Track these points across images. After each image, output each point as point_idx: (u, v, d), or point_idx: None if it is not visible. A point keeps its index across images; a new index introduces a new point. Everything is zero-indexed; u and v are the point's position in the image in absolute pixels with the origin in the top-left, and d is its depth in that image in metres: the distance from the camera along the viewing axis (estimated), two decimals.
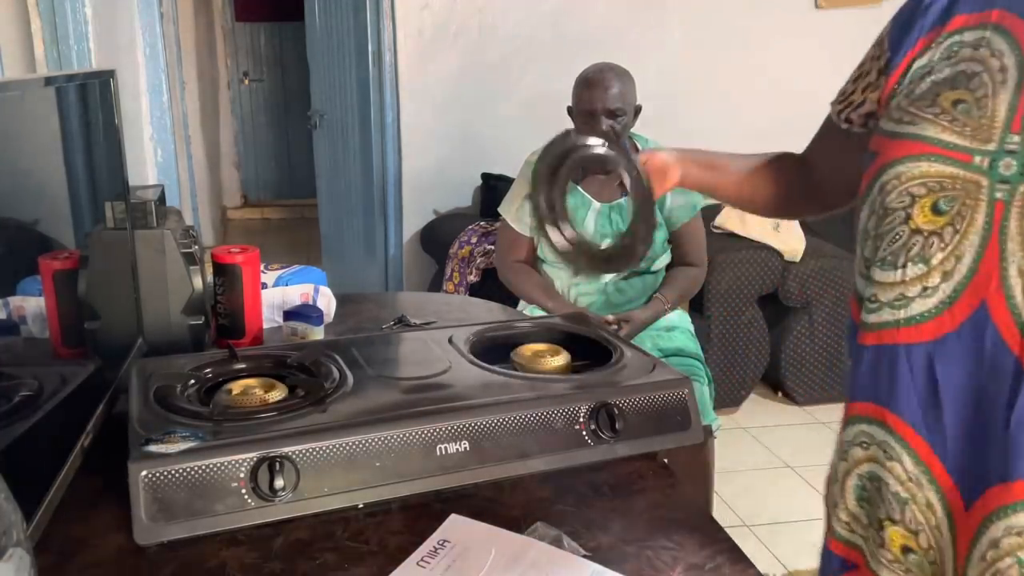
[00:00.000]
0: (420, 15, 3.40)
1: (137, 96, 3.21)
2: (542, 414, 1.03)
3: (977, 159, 0.93)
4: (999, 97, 0.94)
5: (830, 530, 1.04)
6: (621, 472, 1.06)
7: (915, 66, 1.05)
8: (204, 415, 0.97)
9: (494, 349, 1.25)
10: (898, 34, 1.10)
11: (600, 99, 2.10)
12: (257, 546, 0.89)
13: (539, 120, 3.25)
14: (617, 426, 1.04)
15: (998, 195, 0.92)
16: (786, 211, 1.34)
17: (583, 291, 2.28)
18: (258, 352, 1.22)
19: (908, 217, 0.97)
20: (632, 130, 2.22)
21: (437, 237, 3.46)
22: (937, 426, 0.97)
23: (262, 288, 1.50)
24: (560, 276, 2.30)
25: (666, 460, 1.10)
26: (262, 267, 1.56)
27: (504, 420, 1.01)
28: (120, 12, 3.16)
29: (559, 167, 1.17)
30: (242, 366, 1.15)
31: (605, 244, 1.19)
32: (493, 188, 3.43)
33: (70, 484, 0.96)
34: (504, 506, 0.98)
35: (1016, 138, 0.91)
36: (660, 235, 2.25)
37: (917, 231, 0.97)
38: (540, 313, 2.21)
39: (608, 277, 2.19)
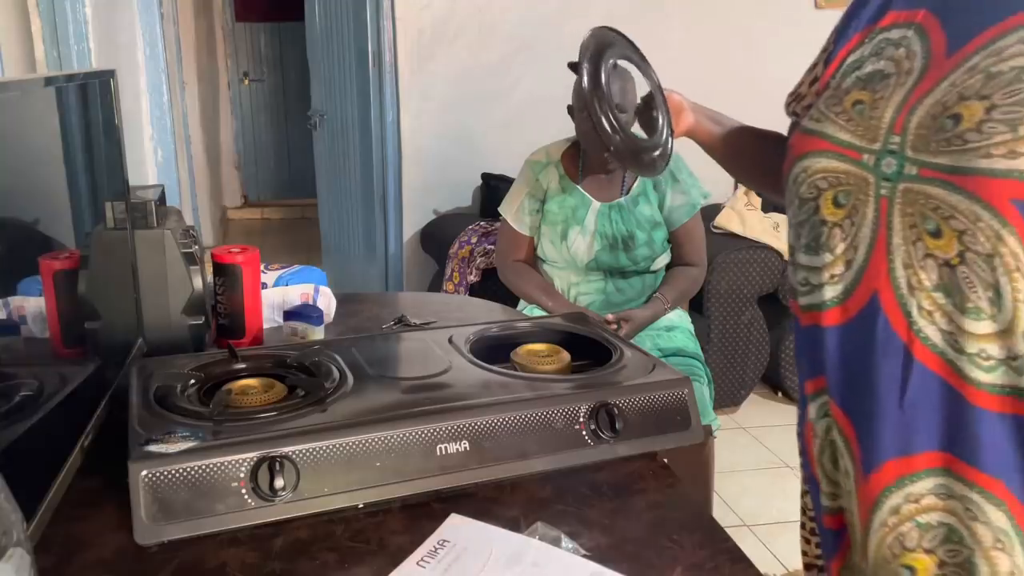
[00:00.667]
0: (420, 15, 3.40)
1: (137, 96, 3.21)
2: (542, 414, 1.03)
3: (865, 157, 1.01)
4: (893, 99, 1.00)
5: (820, 508, 1.10)
6: (621, 472, 1.06)
7: (848, 60, 1.12)
8: (204, 415, 0.97)
9: (494, 349, 1.25)
10: (842, 27, 1.16)
11: None
12: (257, 546, 0.89)
13: (539, 120, 3.26)
14: (617, 426, 1.05)
15: (883, 191, 0.99)
16: (761, 186, 1.40)
17: (583, 291, 2.28)
18: (258, 352, 1.22)
19: (817, 208, 1.05)
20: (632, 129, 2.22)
21: (437, 237, 3.46)
22: (852, 401, 1.05)
23: (262, 288, 1.50)
24: (560, 276, 2.30)
25: (666, 460, 1.10)
26: (262, 267, 1.56)
27: (504, 420, 1.01)
28: (120, 12, 3.16)
29: (603, 53, 1.26)
30: (242, 366, 1.15)
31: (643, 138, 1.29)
32: (493, 188, 3.43)
33: (70, 484, 0.96)
34: (504, 506, 0.98)
35: (897, 138, 0.97)
36: (660, 235, 2.25)
37: (824, 221, 1.05)
38: (540, 313, 2.21)
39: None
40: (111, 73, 1.24)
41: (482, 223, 3.31)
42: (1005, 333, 0.92)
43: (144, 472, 0.85)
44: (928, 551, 0.99)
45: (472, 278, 3.13)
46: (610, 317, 2.14)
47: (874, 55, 1.07)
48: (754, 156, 1.33)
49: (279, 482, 0.88)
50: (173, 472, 0.86)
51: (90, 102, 1.18)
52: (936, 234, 0.94)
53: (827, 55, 1.17)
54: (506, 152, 3.31)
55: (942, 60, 0.98)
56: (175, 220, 1.35)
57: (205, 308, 1.36)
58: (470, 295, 3.05)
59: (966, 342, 0.94)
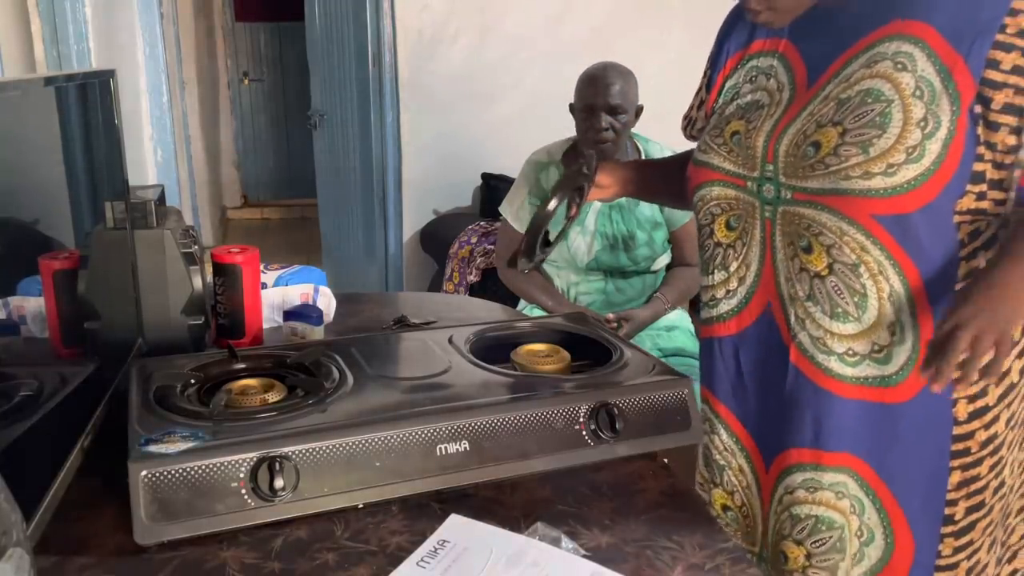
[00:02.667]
0: (420, 15, 3.39)
1: (137, 96, 3.21)
2: (542, 414, 1.03)
3: (749, 184, 1.12)
4: (763, 128, 1.11)
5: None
6: (621, 472, 1.06)
7: (726, 86, 1.23)
8: (204, 415, 0.97)
9: (494, 349, 1.25)
10: (715, 54, 1.26)
11: (601, 95, 2.10)
12: (257, 546, 0.89)
13: (539, 120, 3.25)
14: (617, 426, 1.04)
15: (767, 214, 1.11)
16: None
17: (583, 291, 2.28)
18: (258, 352, 1.22)
19: (712, 232, 1.19)
20: (633, 130, 2.23)
21: (437, 237, 3.46)
22: (742, 403, 1.20)
23: (262, 288, 1.50)
24: (560, 276, 2.30)
25: (666, 460, 1.10)
26: (262, 267, 1.56)
27: (504, 420, 1.01)
28: (120, 12, 3.16)
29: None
30: (242, 366, 1.15)
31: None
32: (493, 188, 3.43)
33: (70, 484, 0.96)
34: (504, 506, 0.98)
35: (771, 166, 1.09)
36: (660, 235, 2.25)
37: (719, 244, 1.18)
38: (540, 313, 2.21)
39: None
40: (111, 73, 1.24)
41: (482, 223, 3.31)
42: (871, 330, 1.05)
43: (144, 472, 0.85)
44: (798, 542, 1.15)
45: (472, 278, 3.13)
46: (610, 316, 2.14)
47: (749, 82, 1.17)
48: (672, 186, 1.37)
49: (279, 482, 0.88)
50: (173, 472, 0.86)
51: (90, 102, 1.18)
52: (808, 250, 1.06)
53: (707, 80, 1.27)
54: (506, 152, 3.31)
55: (804, 91, 1.08)
56: (175, 220, 1.35)
57: (205, 308, 1.36)
58: (470, 295, 3.05)
59: (834, 343, 1.07)
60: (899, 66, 0.99)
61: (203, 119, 5.97)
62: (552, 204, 1.31)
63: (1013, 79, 0.95)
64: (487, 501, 0.98)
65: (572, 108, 2.22)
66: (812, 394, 1.10)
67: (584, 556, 0.87)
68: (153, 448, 0.88)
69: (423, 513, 0.95)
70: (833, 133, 1.02)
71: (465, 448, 0.98)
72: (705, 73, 1.28)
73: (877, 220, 1.00)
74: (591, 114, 2.12)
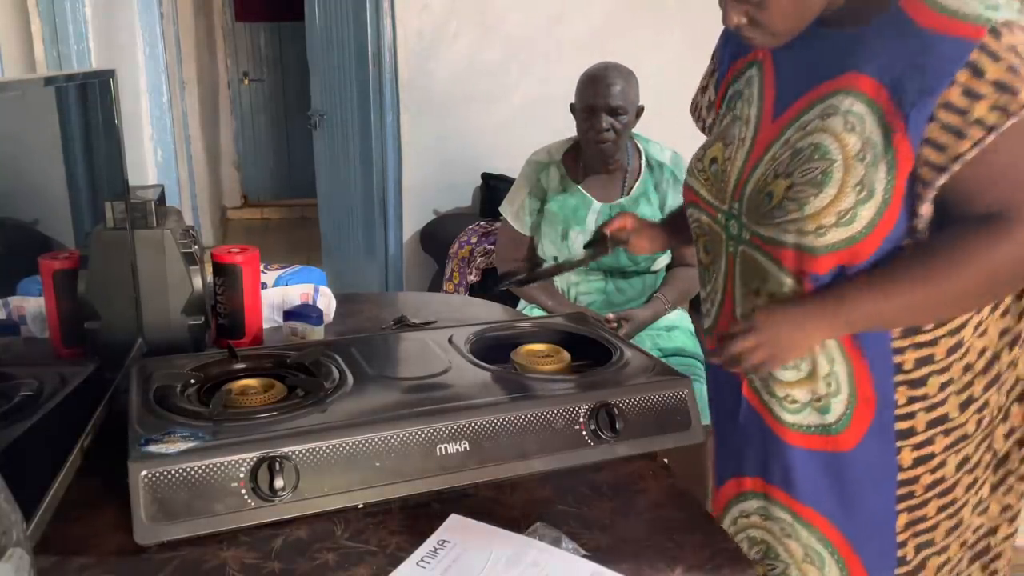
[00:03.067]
0: (420, 15, 3.39)
1: (137, 96, 3.21)
2: (542, 414, 1.03)
3: (719, 216, 1.14)
4: (736, 162, 1.12)
5: None
6: (621, 472, 1.06)
7: (729, 93, 1.19)
8: (204, 415, 0.97)
9: (494, 349, 1.25)
10: (720, 55, 1.25)
11: (602, 96, 2.10)
12: (257, 546, 0.89)
13: (539, 120, 3.25)
14: (617, 426, 1.04)
15: (730, 249, 1.13)
16: None
17: (583, 291, 2.28)
18: (258, 352, 1.22)
19: (697, 250, 1.22)
20: (633, 130, 2.22)
21: (437, 237, 3.46)
22: (717, 426, 1.24)
23: (262, 288, 1.50)
24: (560, 276, 2.30)
25: (666, 460, 1.10)
26: (262, 267, 1.56)
27: (504, 420, 1.01)
28: (120, 12, 3.16)
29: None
30: (242, 366, 1.15)
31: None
32: (493, 188, 3.42)
33: (70, 484, 0.96)
34: (504, 506, 0.98)
35: (737, 204, 1.10)
36: None
37: (701, 262, 1.21)
38: (540, 313, 2.21)
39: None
40: (111, 73, 1.24)
41: (482, 223, 3.31)
42: (809, 379, 1.07)
43: (144, 472, 0.85)
44: (753, 563, 1.15)
45: (472, 278, 3.12)
46: (610, 316, 2.14)
47: (735, 98, 1.17)
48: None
49: (279, 482, 0.88)
50: (173, 472, 0.86)
51: (90, 102, 1.18)
52: (757, 293, 1.09)
53: (716, 78, 1.26)
54: (506, 152, 3.31)
55: (769, 123, 1.08)
56: (175, 220, 1.35)
57: (205, 308, 1.36)
58: (470, 295, 3.05)
59: (776, 387, 1.10)
60: (848, 126, 0.98)
61: (203, 119, 5.97)
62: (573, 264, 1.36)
63: (926, 151, 0.94)
64: (487, 501, 0.98)
65: (573, 108, 2.22)
66: (759, 430, 1.13)
67: (584, 556, 0.87)
68: (153, 448, 0.88)
69: (423, 513, 0.95)
70: (783, 185, 1.02)
71: (465, 448, 0.98)
72: (712, 72, 1.26)
73: (808, 276, 1.02)
74: (592, 115, 2.12)
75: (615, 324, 2.12)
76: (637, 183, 2.24)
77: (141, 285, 1.29)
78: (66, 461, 0.96)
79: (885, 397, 1.04)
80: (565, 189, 2.24)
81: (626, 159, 2.22)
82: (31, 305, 0.95)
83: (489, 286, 3.05)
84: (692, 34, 3.74)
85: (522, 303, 2.34)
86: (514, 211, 2.30)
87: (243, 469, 0.89)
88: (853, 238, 0.98)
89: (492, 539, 0.89)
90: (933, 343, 1.02)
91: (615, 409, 1.05)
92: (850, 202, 0.97)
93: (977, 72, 0.89)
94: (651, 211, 2.23)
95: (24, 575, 0.58)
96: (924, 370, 1.03)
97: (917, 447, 1.06)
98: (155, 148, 3.36)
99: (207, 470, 0.88)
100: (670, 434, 1.09)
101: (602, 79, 2.12)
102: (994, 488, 1.12)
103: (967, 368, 1.04)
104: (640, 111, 2.19)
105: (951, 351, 1.03)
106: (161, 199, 1.35)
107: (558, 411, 1.04)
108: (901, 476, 1.07)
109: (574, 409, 1.05)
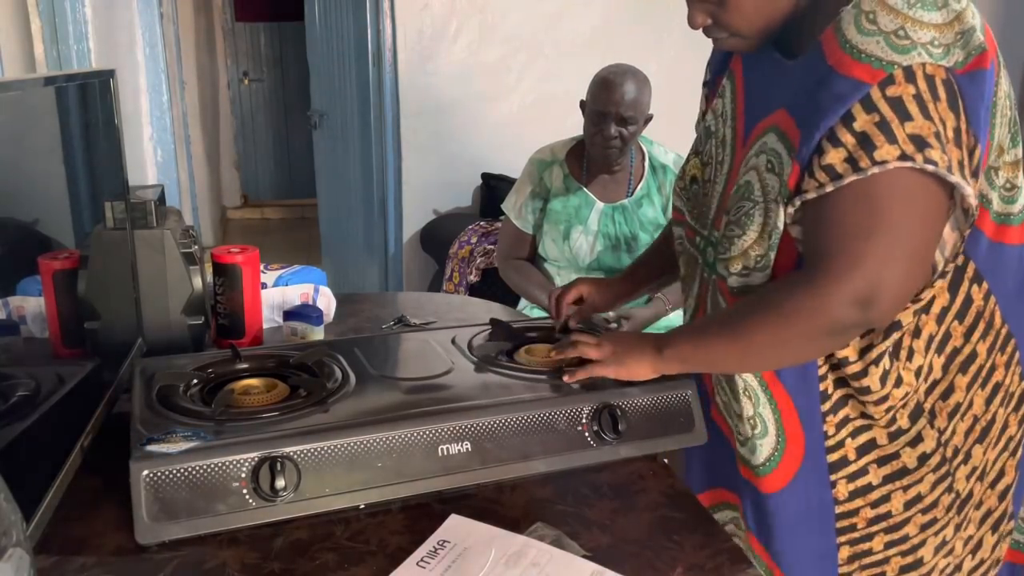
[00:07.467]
0: (420, 15, 3.39)
1: (137, 96, 3.21)
2: (544, 415, 1.03)
3: (697, 239, 1.14)
4: (715, 189, 1.11)
5: None
6: (621, 472, 1.06)
7: (715, 104, 1.20)
8: (206, 415, 0.97)
9: (496, 350, 1.25)
10: (712, 64, 1.24)
11: (614, 103, 2.08)
12: (257, 546, 0.88)
13: (539, 120, 3.25)
14: (620, 427, 1.04)
15: (704, 274, 1.12)
16: None
17: None
18: (261, 352, 1.22)
19: (679, 261, 1.21)
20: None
21: (437, 237, 3.45)
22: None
23: (262, 288, 1.50)
24: (561, 275, 2.30)
25: (666, 460, 1.10)
26: (262, 267, 1.56)
27: (506, 421, 1.01)
28: (120, 12, 3.16)
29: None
30: (245, 366, 1.15)
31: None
32: (493, 188, 3.42)
33: (70, 484, 0.96)
34: (504, 506, 0.97)
35: (716, 233, 1.08)
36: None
37: (680, 275, 1.22)
38: (540, 313, 2.20)
39: None
40: (111, 73, 1.24)
41: (482, 223, 3.31)
42: (738, 419, 1.09)
43: (145, 472, 0.85)
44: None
45: (472, 278, 3.12)
46: (611, 315, 2.14)
47: (710, 118, 1.16)
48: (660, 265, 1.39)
49: (280, 482, 0.88)
50: (174, 472, 0.86)
51: (90, 102, 1.18)
52: None
53: (705, 93, 1.24)
54: (506, 152, 3.31)
55: (741, 147, 1.07)
56: (175, 220, 1.35)
57: (205, 308, 1.35)
58: (470, 295, 3.05)
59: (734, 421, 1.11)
60: (769, 166, 0.97)
61: (203, 119, 5.97)
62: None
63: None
64: (487, 501, 0.98)
65: (583, 105, 2.20)
66: (726, 451, 1.14)
67: (584, 556, 0.87)
68: (155, 447, 0.88)
69: (423, 513, 0.95)
70: (724, 221, 1.03)
71: (467, 449, 0.98)
72: (706, 83, 1.24)
73: None
74: (602, 120, 2.10)
75: (616, 324, 2.12)
76: (640, 185, 2.24)
77: (141, 285, 1.29)
78: (66, 461, 0.96)
79: (813, 429, 1.03)
80: (568, 188, 2.24)
81: (629, 161, 2.22)
82: (31, 305, 0.94)
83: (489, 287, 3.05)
84: (692, 34, 3.74)
85: (523, 303, 2.34)
86: (516, 209, 2.30)
87: (245, 469, 0.89)
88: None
89: (492, 539, 0.89)
90: (863, 373, 0.99)
91: (618, 410, 1.05)
92: (764, 247, 0.97)
93: (848, 119, 0.87)
94: (654, 213, 2.23)
95: (24, 575, 0.58)
96: (842, 392, 1.02)
97: (851, 478, 1.04)
98: (155, 148, 3.36)
99: (208, 470, 0.87)
100: (673, 436, 1.09)
101: (618, 86, 2.08)
102: (958, 528, 1.08)
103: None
104: (649, 119, 2.17)
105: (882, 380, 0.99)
106: (161, 199, 1.35)
107: (560, 412, 1.04)
108: (839, 509, 1.05)
109: (577, 410, 1.04)
